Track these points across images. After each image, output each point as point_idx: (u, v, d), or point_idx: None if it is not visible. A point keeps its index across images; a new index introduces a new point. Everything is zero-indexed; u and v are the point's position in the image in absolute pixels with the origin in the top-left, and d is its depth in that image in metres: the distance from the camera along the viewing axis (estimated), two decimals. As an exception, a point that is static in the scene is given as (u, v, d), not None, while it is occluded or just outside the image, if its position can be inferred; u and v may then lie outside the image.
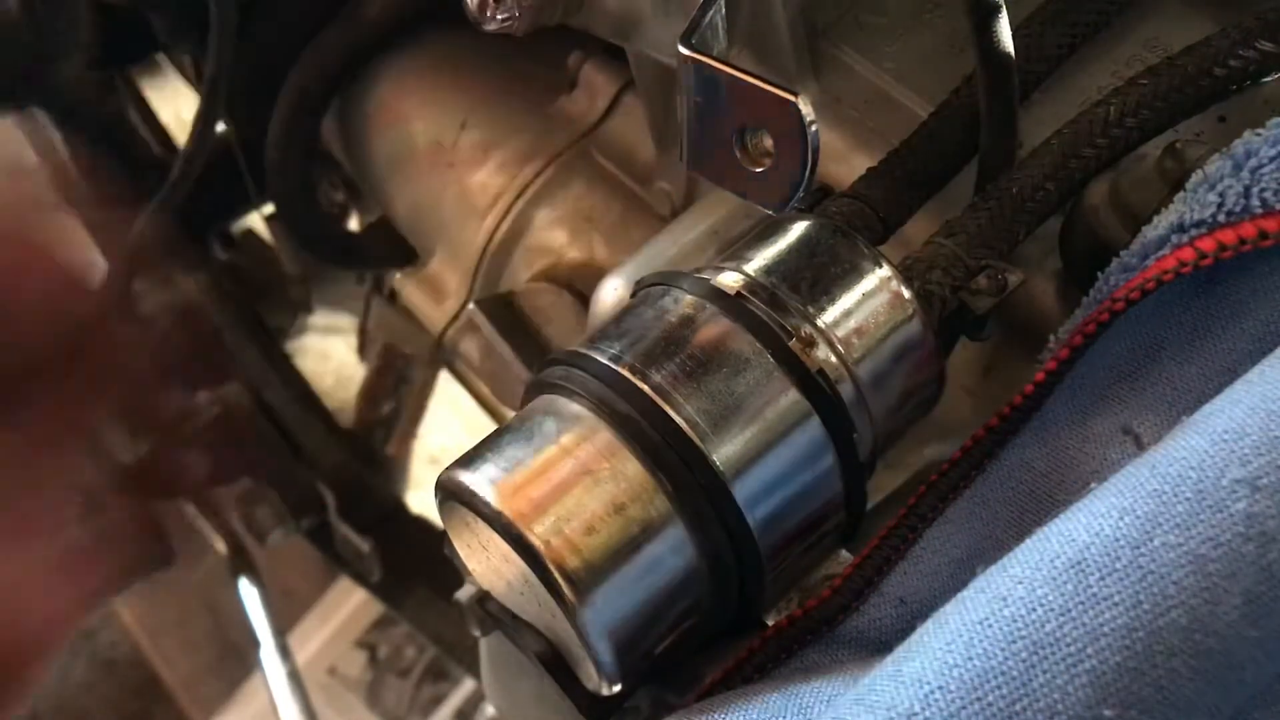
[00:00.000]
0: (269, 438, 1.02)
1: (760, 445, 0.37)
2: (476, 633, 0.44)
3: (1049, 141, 0.45)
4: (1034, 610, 0.28)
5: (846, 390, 0.39)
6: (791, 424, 0.38)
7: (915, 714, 0.28)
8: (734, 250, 0.43)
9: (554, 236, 0.71)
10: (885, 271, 0.41)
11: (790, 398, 0.38)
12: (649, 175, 0.65)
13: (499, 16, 0.48)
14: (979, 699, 0.27)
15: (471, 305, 0.73)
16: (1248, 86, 0.45)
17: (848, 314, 0.40)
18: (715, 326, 0.39)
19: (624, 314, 0.41)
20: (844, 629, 0.38)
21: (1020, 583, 0.29)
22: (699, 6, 0.42)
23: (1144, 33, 0.51)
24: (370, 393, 1.15)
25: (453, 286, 0.78)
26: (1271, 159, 0.36)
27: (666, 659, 0.39)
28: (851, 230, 0.42)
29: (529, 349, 0.68)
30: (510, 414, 0.41)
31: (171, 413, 0.45)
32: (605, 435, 0.37)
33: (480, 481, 0.37)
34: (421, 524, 1.09)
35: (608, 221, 0.68)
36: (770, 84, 0.38)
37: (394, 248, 0.94)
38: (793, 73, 0.52)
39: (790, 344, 0.39)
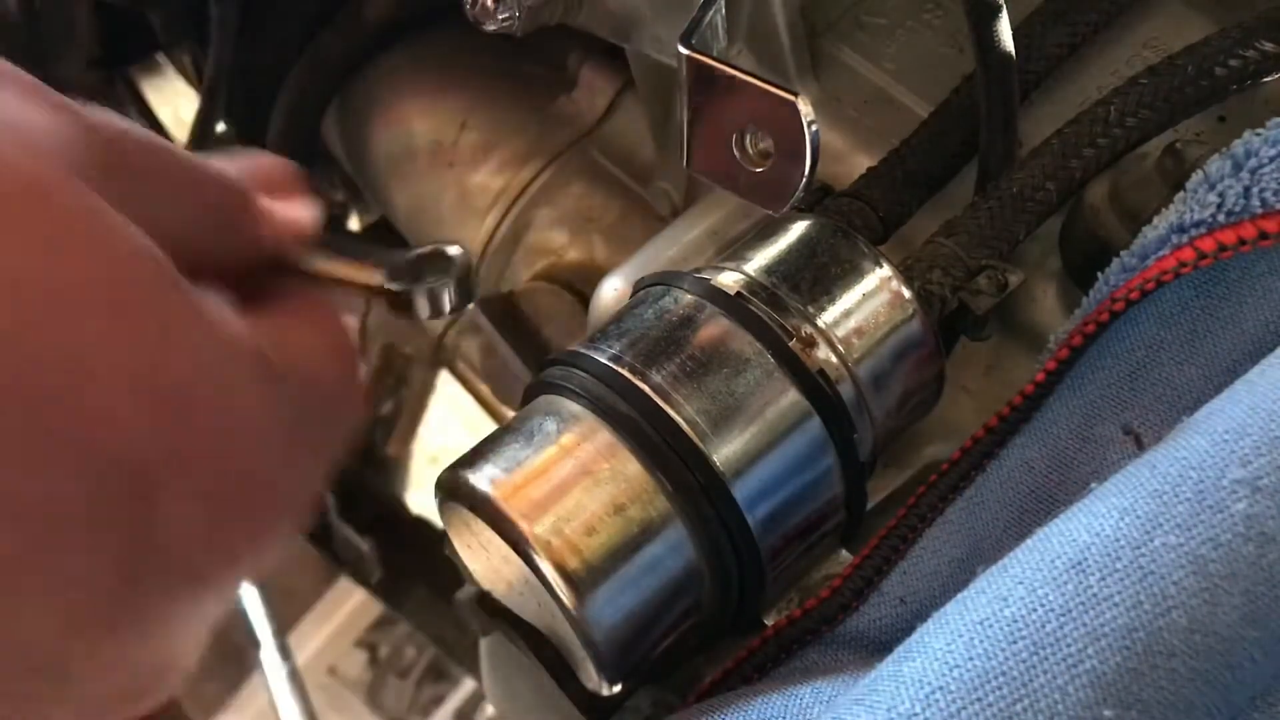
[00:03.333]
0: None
1: (760, 445, 0.37)
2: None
3: (1049, 141, 0.45)
4: (1034, 610, 0.28)
5: (846, 390, 0.39)
6: (791, 424, 0.38)
7: (916, 714, 0.28)
8: (734, 250, 0.43)
9: (554, 236, 0.71)
10: (885, 271, 0.41)
11: (790, 398, 0.38)
12: (649, 175, 0.65)
13: (499, 16, 0.48)
14: (979, 699, 0.27)
15: (471, 305, 0.72)
16: (1248, 86, 0.45)
17: (848, 314, 0.40)
18: (715, 326, 0.39)
19: (624, 314, 0.41)
20: (844, 629, 0.38)
21: (1021, 583, 0.29)
22: (699, 6, 0.42)
23: (1144, 33, 0.51)
24: (370, 393, 1.15)
25: (452, 286, 0.77)
26: (1271, 159, 0.36)
27: (666, 659, 0.39)
28: (851, 230, 0.42)
29: (529, 349, 0.68)
30: (510, 414, 0.41)
31: None
32: (605, 435, 0.37)
33: (480, 481, 0.37)
34: (421, 524, 1.09)
35: (608, 221, 0.68)
36: (770, 84, 0.38)
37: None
38: (793, 73, 0.52)
39: (790, 344, 0.39)
